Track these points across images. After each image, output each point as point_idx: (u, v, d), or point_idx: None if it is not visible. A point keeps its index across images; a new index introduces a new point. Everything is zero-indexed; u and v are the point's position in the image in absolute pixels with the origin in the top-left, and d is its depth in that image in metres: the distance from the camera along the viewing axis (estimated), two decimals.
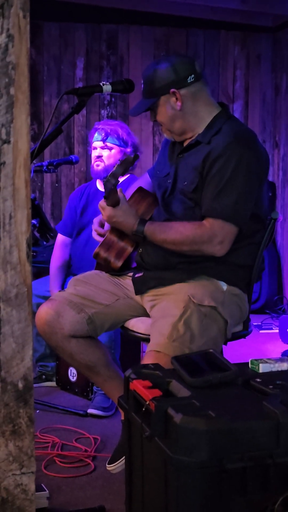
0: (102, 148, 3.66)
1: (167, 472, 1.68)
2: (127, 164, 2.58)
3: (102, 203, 2.62)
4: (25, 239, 1.25)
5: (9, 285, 1.25)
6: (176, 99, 2.58)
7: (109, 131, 3.64)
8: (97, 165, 3.68)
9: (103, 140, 3.65)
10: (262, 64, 6.17)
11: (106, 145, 3.65)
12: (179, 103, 2.58)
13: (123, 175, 2.64)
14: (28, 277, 1.26)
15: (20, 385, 1.28)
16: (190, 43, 6.01)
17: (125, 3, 5.42)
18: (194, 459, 1.59)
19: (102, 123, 3.75)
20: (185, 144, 2.68)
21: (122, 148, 3.65)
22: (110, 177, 2.53)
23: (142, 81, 2.66)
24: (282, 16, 5.75)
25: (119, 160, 3.63)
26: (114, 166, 2.61)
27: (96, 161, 3.69)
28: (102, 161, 3.66)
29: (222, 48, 6.10)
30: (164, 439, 1.68)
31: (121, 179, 3.34)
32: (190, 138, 2.65)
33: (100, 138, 3.66)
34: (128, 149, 3.66)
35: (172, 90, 2.57)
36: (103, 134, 3.64)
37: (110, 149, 3.65)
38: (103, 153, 3.66)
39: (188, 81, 2.58)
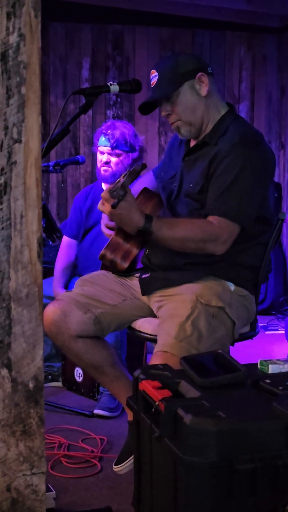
0: (110, 154, 3.64)
1: (176, 472, 1.68)
2: (135, 175, 2.53)
3: (104, 194, 2.47)
4: (36, 239, 1.24)
5: (20, 285, 1.24)
6: (202, 84, 2.53)
7: (118, 137, 3.61)
8: (105, 171, 3.67)
9: (112, 147, 3.62)
10: (268, 65, 6.16)
11: (114, 152, 3.64)
12: (205, 88, 2.53)
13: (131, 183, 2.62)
14: (39, 276, 1.26)
15: (31, 385, 1.28)
16: (196, 44, 6.01)
17: (131, 3, 5.42)
18: (204, 459, 1.59)
19: (109, 126, 3.68)
20: (191, 145, 2.66)
21: (129, 154, 3.65)
22: (119, 188, 2.43)
23: (154, 75, 2.56)
24: None
25: (127, 166, 3.63)
26: (121, 175, 2.57)
27: (103, 166, 3.67)
28: (110, 167, 3.65)
29: (228, 48, 6.10)
30: (174, 440, 1.68)
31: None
32: (197, 137, 2.64)
33: (109, 144, 3.62)
34: (136, 154, 3.65)
35: (200, 73, 2.52)
36: (112, 141, 3.61)
37: (118, 155, 3.64)
38: (111, 159, 3.65)
39: (209, 71, 2.57)
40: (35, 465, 1.30)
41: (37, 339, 1.27)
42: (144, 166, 2.62)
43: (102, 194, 2.48)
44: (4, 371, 1.26)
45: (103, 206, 2.48)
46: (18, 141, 1.20)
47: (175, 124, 2.61)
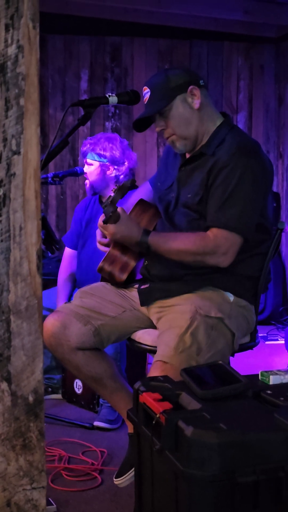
0: (87, 164, 3.68)
1: (178, 485, 1.67)
2: (124, 190, 2.56)
3: (100, 222, 2.59)
4: (35, 251, 1.24)
5: (19, 297, 1.23)
6: (194, 97, 2.54)
7: (89, 146, 3.65)
8: (86, 183, 3.73)
9: (83, 156, 3.68)
10: (265, 75, 6.18)
11: (86, 162, 3.67)
12: (198, 101, 2.54)
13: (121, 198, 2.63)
14: (39, 289, 1.25)
15: (31, 398, 1.27)
16: (193, 55, 6.02)
17: (129, 15, 5.44)
18: (206, 472, 1.58)
19: (94, 137, 3.74)
20: (188, 156, 2.66)
21: (100, 163, 3.64)
22: (109, 204, 2.51)
23: (146, 91, 2.58)
24: (285, 27, 5.76)
25: (100, 174, 3.65)
26: (112, 189, 2.60)
27: (86, 178, 3.73)
28: (87, 177, 3.69)
29: (225, 59, 6.11)
30: (175, 452, 1.66)
31: None
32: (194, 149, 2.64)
33: (83, 153, 3.69)
34: (107, 162, 3.64)
35: (192, 87, 2.53)
36: (83, 149, 3.67)
37: (90, 165, 3.66)
38: (86, 170, 3.68)
39: (201, 83, 2.57)
40: (35, 479, 1.29)
41: (36, 352, 1.26)
42: (133, 182, 2.66)
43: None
44: (4, 385, 1.25)
45: (102, 228, 2.60)
46: (17, 152, 1.19)
47: (170, 139, 2.62)
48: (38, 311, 1.25)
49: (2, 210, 1.19)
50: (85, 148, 3.66)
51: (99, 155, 3.63)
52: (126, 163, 3.67)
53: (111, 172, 3.64)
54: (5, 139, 1.18)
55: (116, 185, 2.65)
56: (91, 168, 3.65)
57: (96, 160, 3.63)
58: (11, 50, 1.15)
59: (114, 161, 3.63)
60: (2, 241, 1.20)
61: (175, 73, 2.58)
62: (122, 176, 3.66)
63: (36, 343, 1.26)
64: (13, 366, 1.25)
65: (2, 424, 1.26)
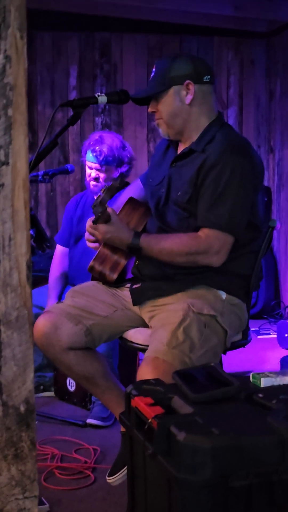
0: (98, 170, 3.63)
1: (171, 490, 1.67)
2: (113, 191, 2.56)
3: (89, 223, 2.59)
4: (25, 261, 1.23)
5: (9, 308, 1.23)
6: (188, 92, 2.55)
7: (106, 153, 3.59)
8: (94, 186, 3.67)
9: (100, 164, 3.61)
10: (256, 70, 6.17)
11: (103, 168, 3.63)
12: (190, 96, 2.55)
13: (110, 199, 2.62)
14: (29, 299, 1.25)
15: (22, 408, 1.27)
16: (183, 50, 6.00)
17: (118, 11, 5.41)
18: (199, 477, 1.58)
19: (97, 141, 3.65)
20: (179, 152, 2.66)
21: (118, 168, 3.64)
22: (98, 205, 2.51)
23: (153, 70, 2.61)
24: (276, 22, 5.74)
25: (116, 178, 3.63)
26: (101, 189, 2.60)
27: (92, 181, 3.67)
28: (99, 181, 3.65)
29: (215, 54, 6.09)
30: (168, 457, 1.66)
31: None
32: (184, 143, 2.64)
33: (96, 161, 3.61)
34: (125, 166, 3.64)
35: (188, 81, 2.54)
36: (100, 158, 3.59)
37: (107, 171, 3.63)
38: (99, 175, 3.64)
39: (204, 80, 2.57)
40: (28, 488, 1.29)
41: (27, 362, 1.26)
42: (122, 182, 2.66)
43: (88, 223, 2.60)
44: None
45: (91, 229, 2.60)
46: (6, 163, 1.19)
47: (157, 121, 2.66)
48: (28, 321, 1.25)
49: None
50: (101, 158, 3.60)
51: (119, 160, 3.61)
52: (130, 157, 3.70)
53: (122, 172, 3.65)
54: None
55: (105, 186, 2.65)
56: (108, 173, 3.63)
57: (113, 166, 3.62)
58: None
59: (128, 161, 3.64)
60: None
61: (180, 63, 2.57)
62: (126, 172, 3.69)
63: (27, 353, 1.25)
64: (4, 377, 1.24)
65: None
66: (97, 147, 3.61)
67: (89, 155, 3.64)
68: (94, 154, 3.60)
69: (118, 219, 2.58)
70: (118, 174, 3.63)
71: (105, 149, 3.59)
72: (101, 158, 3.58)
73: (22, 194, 1.20)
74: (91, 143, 3.66)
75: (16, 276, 1.22)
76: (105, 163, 3.59)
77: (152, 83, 2.60)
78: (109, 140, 3.64)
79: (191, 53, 5.98)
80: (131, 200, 2.80)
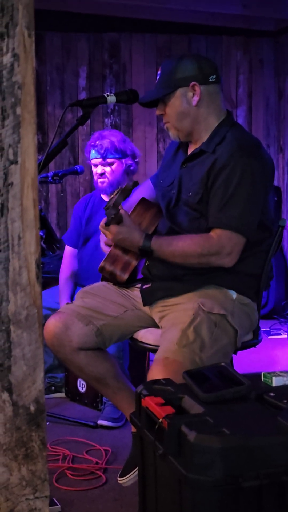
0: (103, 165, 3.64)
1: (181, 490, 1.66)
2: (127, 192, 2.55)
3: (102, 223, 2.59)
4: (34, 260, 1.23)
5: (19, 307, 1.23)
6: (194, 93, 2.54)
7: (107, 146, 3.62)
8: (102, 182, 3.68)
9: (103, 157, 3.63)
10: (264, 69, 6.16)
11: (106, 162, 3.64)
12: (196, 98, 2.54)
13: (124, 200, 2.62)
14: (38, 298, 1.24)
15: (32, 408, 1.26)
16: (192, 50, 6.00)
17: (127, 11, 5.41)
18: (209, 477, 1.57)
19: (96, 138, 3.69)
20: (189, 153, 2.65)
21: (122, 160, 3.64)
22: (112, 207, 2.49)
23: (158, 73, 2.60)
24: (284, 20, 5.74)
25: (122, 172, 3.64)
26: (115, 191, 2.59)
27: (99, 178, 3.68)
28: (105, 177, 3.65)
29: (224, 53, 6.09)
30: (178, 457, 1.66)
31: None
32: (195, 144, 2.63)
33: (99, 155, 3.64)
34: (128, 159, 3.65)
35: (193, 83, 2.53)
36: (102, 151, 3.62)
37: (111, 164, 3.64)
38: (105, 169, 3.65)
39: (210, 80, 2.56)
40: (38, 489, 1.28)
41: (37, 362, 1.25)
42: (135, 183, 2.65)
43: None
44: (5, 395, 1.24)
45: (104, 229, 2.59)
46: (14, 162, 1.18)
47: (166, 125, 2.65)
48: (38, 321, 1.25)
49: (0, 220, 1.19)
50: (102, 151, 3.62)
51: (121, 152, 3.62)
52: (133, 151, 3.70)
53: (127, 165, 3.66)
54: (2, 149, 1.17)
55: (119, 187, 2.64)
56: (113, 166, 3.64)
57: (117, 158, 3.63)
58: (7, 59, 1.14)
59: (132, 154, 3.65)
60: (0, 251, 1.20)
61: (185, 64, 2.56)
62: (132, 167, 3.69)
63: (36, 352, 1.25)
64: (14, 376, 1.24)
65: (4, 434, 1.25)
66: (97, 142, 3.65)
67: (92, 153, 3.67)
68: (96, 149, 3.64)
69: (131, 221, 2.57)
70: (123, 167, 3.64)
71: (105, 142, 3.63)
72: (102, 151, 3.62)
73: (31, 192, 1.20)
74: (91, 141, 3.71)
75: (25, 275, 1.22)
76: (107, 155, 3.61)
77: (158, 86, 2.59)
78: (108, 135, 3.68)
79: (200, 53, 5.98)
80: (143, 200, 2.79)
